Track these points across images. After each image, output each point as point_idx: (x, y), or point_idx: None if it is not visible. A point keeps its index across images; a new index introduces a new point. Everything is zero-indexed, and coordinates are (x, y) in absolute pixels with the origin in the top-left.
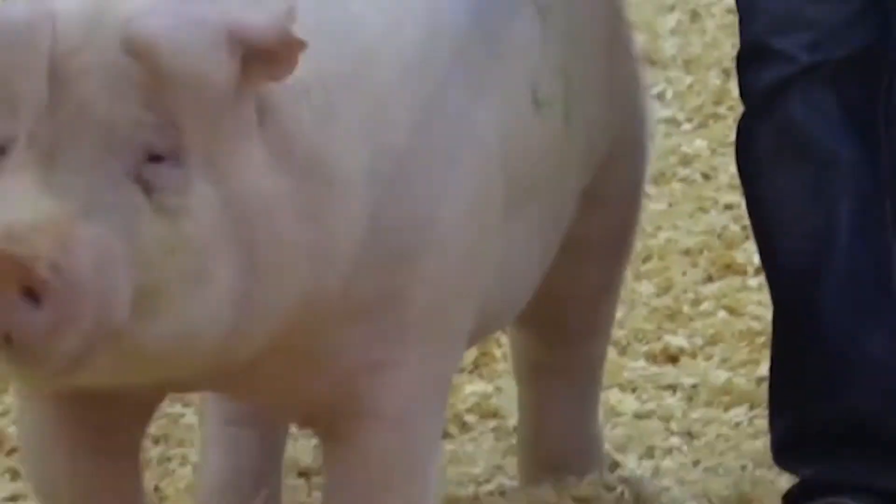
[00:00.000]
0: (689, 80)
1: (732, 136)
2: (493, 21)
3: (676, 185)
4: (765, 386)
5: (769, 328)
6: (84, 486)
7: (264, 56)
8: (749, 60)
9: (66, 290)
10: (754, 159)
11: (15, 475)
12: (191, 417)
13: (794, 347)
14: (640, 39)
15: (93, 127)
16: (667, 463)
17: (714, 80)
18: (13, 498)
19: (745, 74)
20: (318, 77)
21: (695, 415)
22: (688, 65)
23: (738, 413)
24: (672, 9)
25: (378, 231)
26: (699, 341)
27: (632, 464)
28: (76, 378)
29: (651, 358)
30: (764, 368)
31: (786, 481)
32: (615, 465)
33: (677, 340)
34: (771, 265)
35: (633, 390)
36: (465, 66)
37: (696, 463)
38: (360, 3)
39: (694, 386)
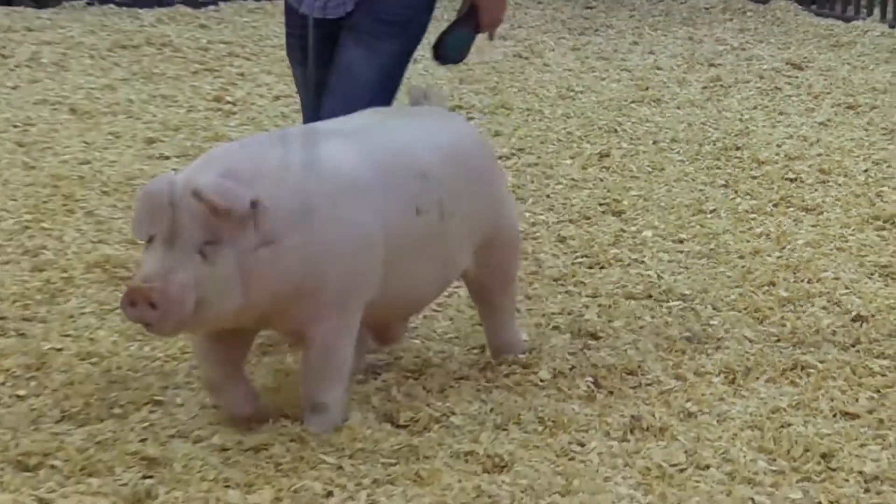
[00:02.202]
0: None
1: None
2: (389, 179)
3: None
4: None
5: None
6: (216, 372)
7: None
8: None
9: (164, 303)
10: None
11: None
12: None
13: None
14: None
15: (183, 233)
16: None
17: None
18: None
19: None
20: (296, 214)
21: None
22: None
23: None
24: None
25: (306, 274)
26: None
27: None
28: (183, 332)
29: None
30: None
31: None
32: None
33: None
34: None
35: None
36: (364, 199)
37: None
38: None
39: None
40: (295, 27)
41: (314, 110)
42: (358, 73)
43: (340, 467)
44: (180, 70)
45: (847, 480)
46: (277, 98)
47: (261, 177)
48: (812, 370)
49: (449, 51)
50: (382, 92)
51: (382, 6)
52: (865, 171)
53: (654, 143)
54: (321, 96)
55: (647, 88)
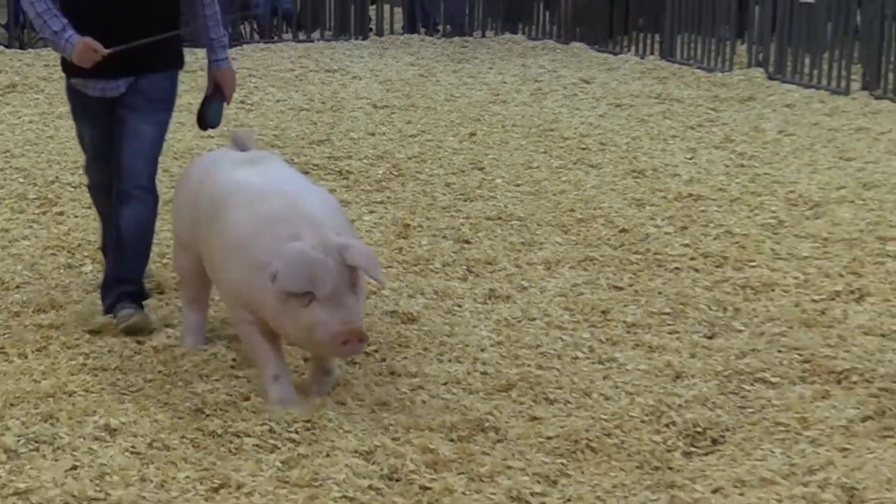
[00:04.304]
0: None
1: None
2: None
3: None
4: None
5: None
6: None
7: None
8: None
9: (365, 340)
10: None
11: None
12: None
13: None
14: None
15: (349, 282)
16: None
17: None
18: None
19: None
20: None
21: None
22: None
23: None
24: None
25: None
26: None
27: None
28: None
29: None
30: None
31: None
32: None
33: None
34: None
35: None
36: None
37: None
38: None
39: None
40: (84, 103)
41: (101, 159)
42: (143, 136)
43: None
44: None
45: (616, 326)
46: (278, 101)
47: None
48: (596, 261)
49: (212, 119)
50: (158, 147)
51: (150, 90)
52: (626, 143)
53: (503, 127)
54: (109, 151)
55: (498, 94)
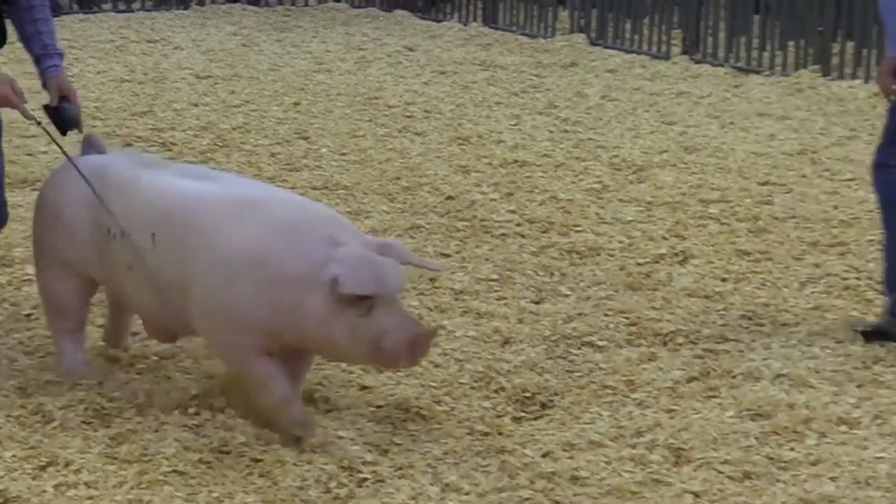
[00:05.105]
0: None
1: None
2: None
3: None
4: None
5: None
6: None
7: None
8: None
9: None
10: None
11: None
12: None
13: None
14: None
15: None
16: None
17: None
18: None
19: None
20: None
21: None
22: None
23: None
24: None
25: None
26: None
27: None
28: None
29: None
30: None
31: None
32: None
33: None
34: None
35: None
36: None
37: None
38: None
39: None
40: None
41: None
42: None
43: None
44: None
45: (444, 293)
46: (98, 72)
47: None
48: (423, 229)
49: (69, 122)
50: None
51: None
52: (451, 110)
53: (327, 96)
54: None
55: (322, 64)
